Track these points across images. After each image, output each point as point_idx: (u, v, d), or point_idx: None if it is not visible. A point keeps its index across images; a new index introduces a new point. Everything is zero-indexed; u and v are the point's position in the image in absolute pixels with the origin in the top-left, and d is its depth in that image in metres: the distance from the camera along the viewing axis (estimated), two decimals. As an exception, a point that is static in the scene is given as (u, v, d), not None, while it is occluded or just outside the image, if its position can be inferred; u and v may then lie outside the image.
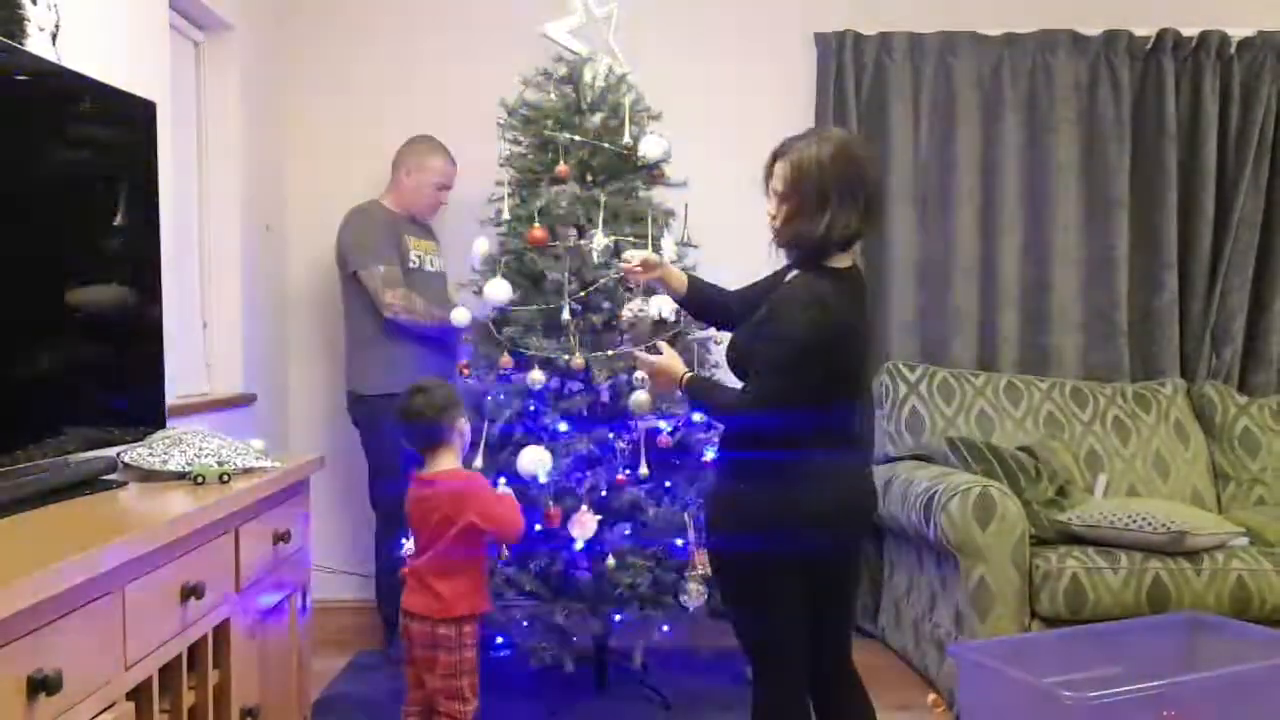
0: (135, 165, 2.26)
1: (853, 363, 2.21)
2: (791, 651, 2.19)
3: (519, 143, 3.44)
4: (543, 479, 3.06)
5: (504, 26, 3.92)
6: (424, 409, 2.61)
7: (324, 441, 3.87)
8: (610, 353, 3.22)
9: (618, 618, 3.19)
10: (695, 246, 3.46)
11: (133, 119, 2.25)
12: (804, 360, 2.08)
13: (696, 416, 3.29)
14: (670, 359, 2.34)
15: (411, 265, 3.65)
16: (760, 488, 2.14)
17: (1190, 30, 4.09)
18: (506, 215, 3.38)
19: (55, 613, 1.38)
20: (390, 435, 3.08)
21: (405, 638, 2.62)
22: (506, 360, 3.22)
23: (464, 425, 2.69)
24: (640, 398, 2.97)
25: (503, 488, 2.90)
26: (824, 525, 2.13)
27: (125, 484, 2.06)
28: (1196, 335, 4.18)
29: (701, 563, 3.11)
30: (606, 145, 3.33)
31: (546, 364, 3.21)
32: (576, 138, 3.31)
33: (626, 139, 3.32)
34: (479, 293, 3.32)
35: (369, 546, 3.72)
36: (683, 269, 3.38)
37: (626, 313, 2.66)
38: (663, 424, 3.22)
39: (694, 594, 3.09)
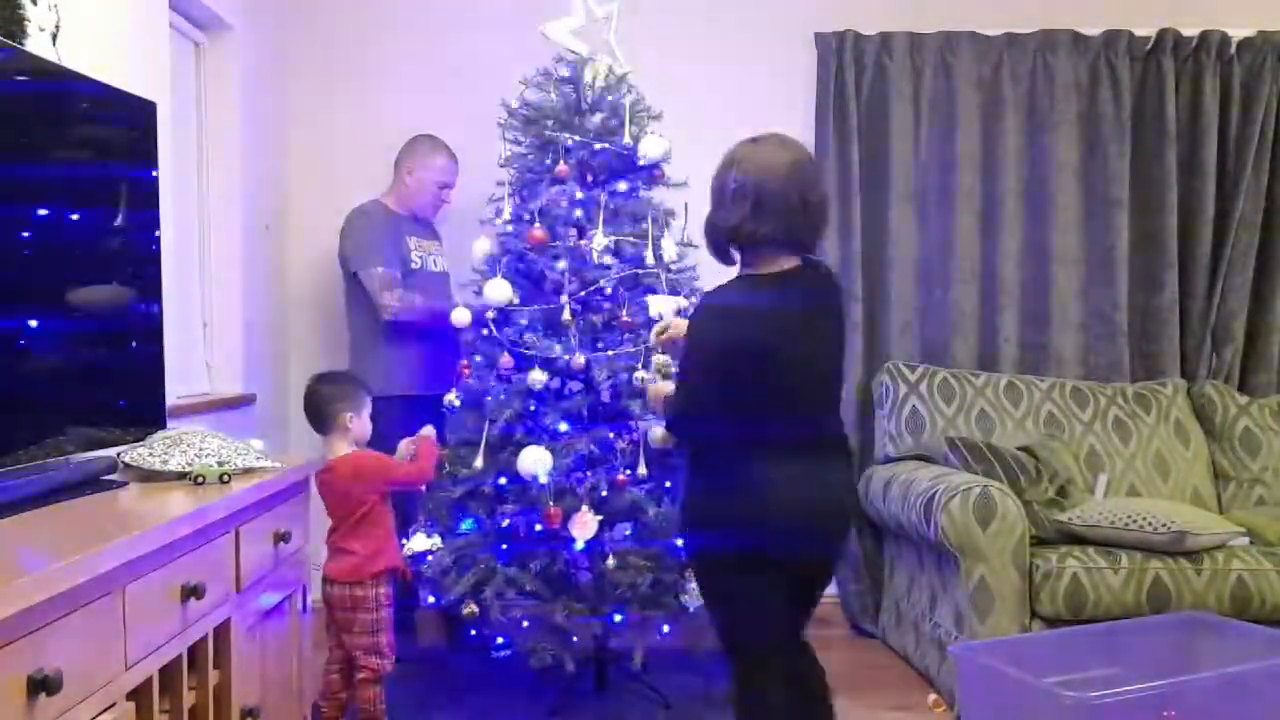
0: (135, 165, 2.26)
1: (773, 369, 2.16)
2: (756, 650, 2.25)
3: (519, 143, 3.44)
4: (543, 479, 3.06)
5: (504, 26, 3.92)
6: (313, 396, 2.93)
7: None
8: (611, 353, 3.22)
9: (618, 618, 3.18)
10: (695, 246, 3.45)
11: (133, 119, 2.26)
12: (698, 366, 2.19)
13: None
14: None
15: (413, 265, 3.63)
16: (698, 489, 2.27)
17: (1190, 30, 4.09)
18: (506, 215, 3.38)
19: (55, 613, 1.38)
20: (388, 438, 3.09)
21: (325, 602, 2.89)
22: (506, 360, 3.22)
23: (351, 420, 2.91)
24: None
25: (424, 431, 3.06)
26: (762, 527, 2.17)
27: (125, 484, 2.06)
28: (1197, 335, 4.18)
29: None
30: (606, 145, 3.33)
31: (546, 364, 3.21)
32: (577, 137, 3.31)
33: (626, 139, 3.32)
34: (479, 293, 3.33)
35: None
36: (683, 269, 3.40)
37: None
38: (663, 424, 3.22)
39: (694, 594, 3.09)
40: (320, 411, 2.92)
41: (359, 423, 2.94)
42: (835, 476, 2.29)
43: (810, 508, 2.21)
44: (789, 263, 2.24)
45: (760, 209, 2.17)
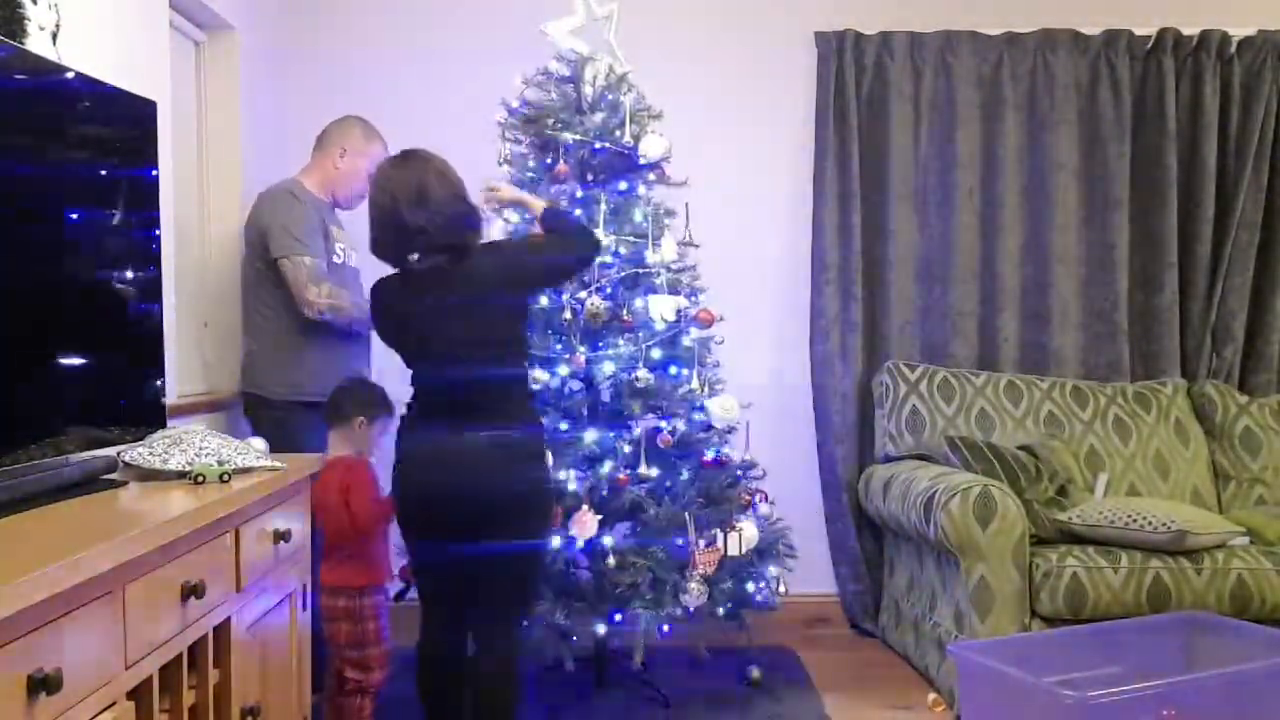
0: (135, 165, 2.26)
1: (401, 337, 2.63)
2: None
3: (519, 142, 3.44)
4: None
5: (504, 26, 3.92)
6: (339, 393, 2.96)
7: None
8: (611, 353, 3.22)
9: (618, 618, 3.19)
10: (696, 246, 3.47)
11: (133, 118, 2.25)
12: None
13: (697, 415, 3.30)
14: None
15: (336, 259, 3.28)
16: None
17: (1191, 30, 4.09)
18: (506, 215, 3.37)
19: (55, 612, 1.38)
20: (305, 450, 2.85)
21: (318, 608, 2.83)
22: (506, 360, 3.22)
23: (362, 425, 2.92)
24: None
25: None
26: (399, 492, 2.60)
27: (125, 483, 2.06)
28: (1197, 334, 4.18)
29: (703, 562, 3.11)
30: (607, 145, 3.33)
31: (546, 364, 3.21)
32: (577, 137, 3.31)
33: (627, 138, 3.32)
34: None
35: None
36: (683, 269, 3.40)
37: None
38: (663, 424, 3.23)
39: (694, 594, 3.09)
40: (340, 408, 2.92)
41: (367, 429, 2.93)
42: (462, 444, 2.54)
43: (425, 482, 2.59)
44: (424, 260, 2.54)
45: (373, 226, 2.57)
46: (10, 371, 1.83)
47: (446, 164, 2.60)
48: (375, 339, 3.42)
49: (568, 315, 3.20)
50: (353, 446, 2.93)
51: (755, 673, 3.47)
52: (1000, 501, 3.13)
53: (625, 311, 3.25)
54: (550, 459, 2.75)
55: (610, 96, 3.39)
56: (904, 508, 3.48)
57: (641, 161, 3.34)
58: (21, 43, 2.10)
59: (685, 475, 3.25)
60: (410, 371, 2.62)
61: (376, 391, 3.02)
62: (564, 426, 3.19)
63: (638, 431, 3.22)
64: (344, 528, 2.83)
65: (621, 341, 3.25)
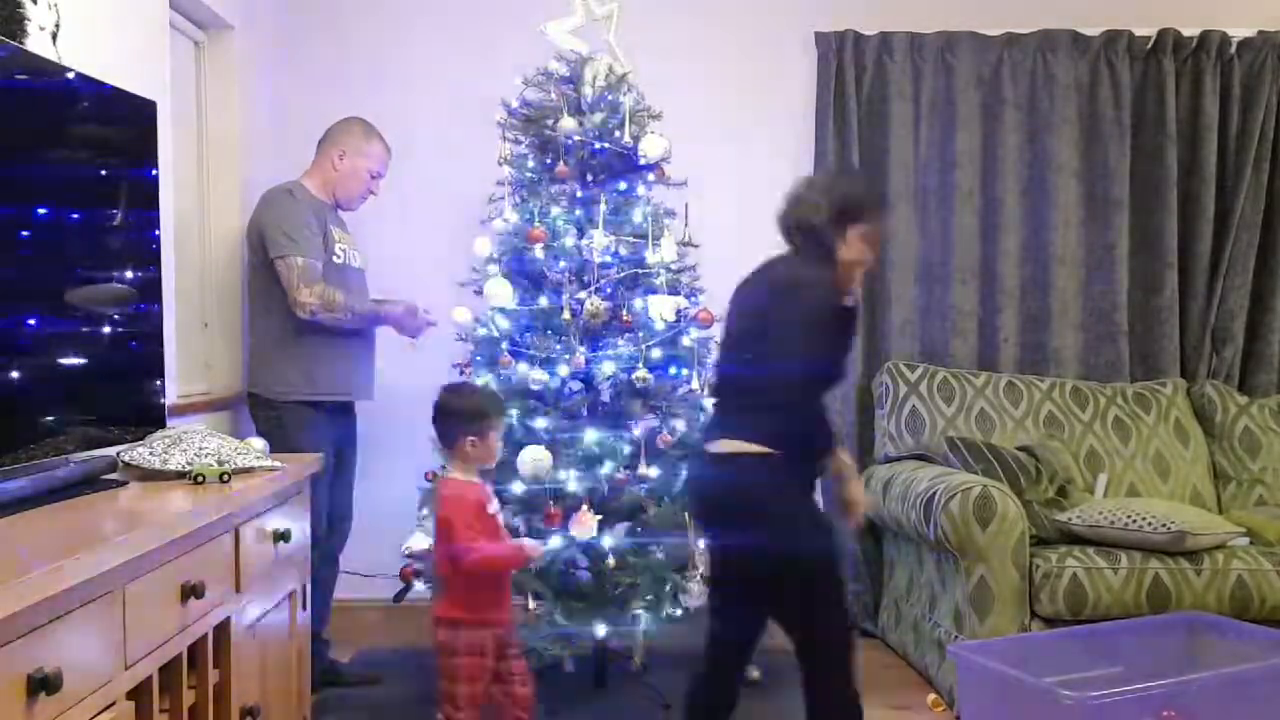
0: (135, 165, 2.26)
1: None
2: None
3: (519, 142, 3.44)
4: (542, 479, 3.06)
5: (504, 27, 3.92)
6: (437, 411, 2.66)
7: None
8: (611, 353, 3.22)
9: (618, 618, 3.19)
10: (695, 246, 3.46)
11: (133, 118, 2.25)
12: None
13: (697, 415, 3.30)
14: None
15: (336, 260, 3.28)
16: None
17: (1190, 30, 4.09)
18: (507, 215, 3.38)
19: (55, 612, 1.38)
20: (305, 449, 2.87)
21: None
22: (506, 360, 3.23)
23: (471, 444, 2.63)
24: None
25: (526, 542, 2.73)
26: None
27: (125, 483, 2.06)
28: (1197, 335, 4.18)
29: (702, 562, 3.11)
30: (607, 145, 3.33)
31: (546, 364, 3.21)
32: (576, 137, 3.31)
33: (626, 139, 3.32)
34: (479, 293, 3.33)
35: (366, 546, 3.70)
36: (683, 269, 3.40)
37: None
38: (663, 423, 3.23)
39: (694, 593, 3.09)
40: (445, 434, 2.66)
41: (481, 447, 2.65)
42: None
43: None
44: None
45: None
46: (10, 371, 1.83)
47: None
48: (376, 338, 3.45)
49: (567, 315, 3.20)
50: (464, 467, 2.65)
51: (754, 673, 3.47)
52: (1000, 502, 3.13)
53: (625, 312, 3.25)
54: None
55: (610, 96, 3.39)
56: (904, 508, 3.47)
57: (641, 161, 3.34)
58: (21, 42, 2.10)
59: (685, 475, 3.24)
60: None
61: (480, 398, 2.75)
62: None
63: (638, 431, 3.22)
64: (442, 560, 2.59)
65: (621, 342, 3.24)
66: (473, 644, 2.59)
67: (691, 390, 3.28)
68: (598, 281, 3.24)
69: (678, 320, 3.27)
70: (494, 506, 2.68)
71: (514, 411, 3.21)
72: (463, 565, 2.53)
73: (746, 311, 2.41)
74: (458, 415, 2.63)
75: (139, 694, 1.65)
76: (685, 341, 3.31)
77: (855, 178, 2.37)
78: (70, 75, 2.09)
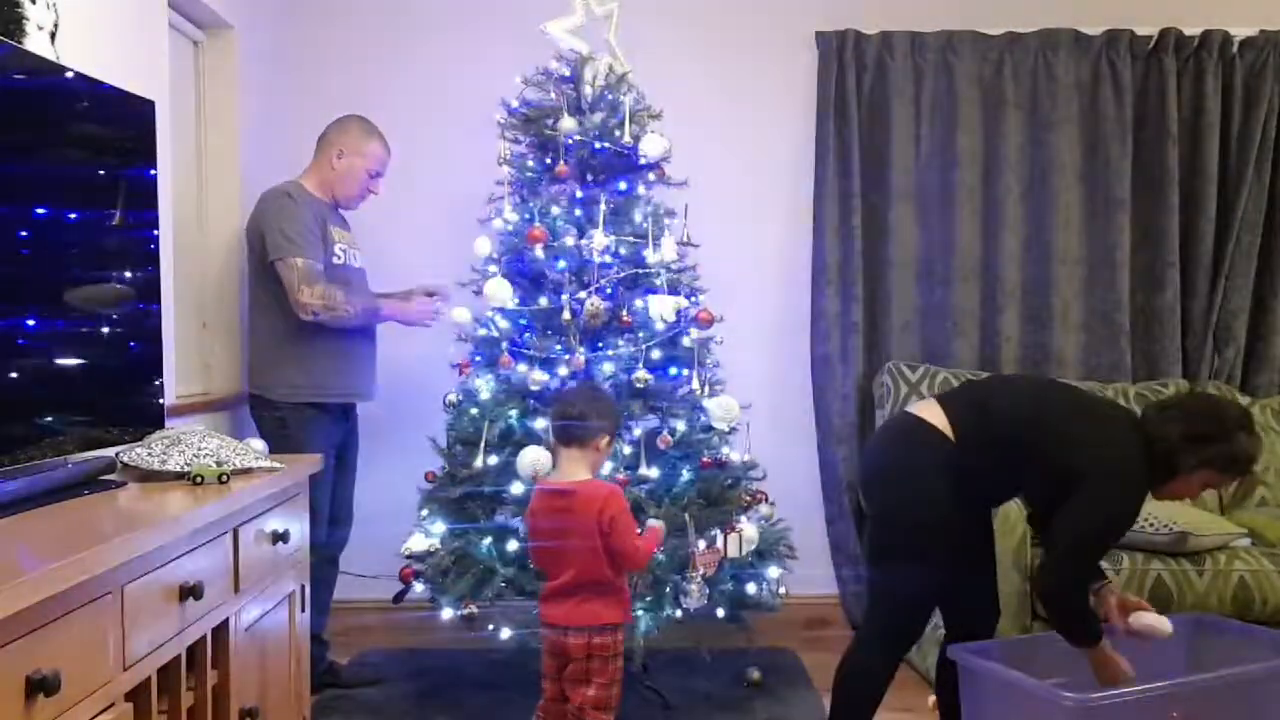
0: (134, 165, 2.26)
1: None
2: None
3: (519, 142, 3.44)
4: (542, 479, 3.06)
5: (504, 26, 3.92)
6: (572, 408, 2.59)
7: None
8: (611, 353, 3.22)
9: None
10: (695, 246, 3.46)
11: (132, 118, 2.25)
12: None
13: (697, 416, 3.29)
14: None
15: (336, 260, 3.28)
16: None
17: (1192, 29, 4.08)
18: (506, 215, 3.37)
19: (55, 613, 1.38)
20: (306, 452, 2.86)
21: (555, 651, 2.56)
22: (506, 360, 3.22)
23: (606, 444, 2.62)
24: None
25: (652, 523, 2.72)
26: None
27: (124, 484, 2.05)
28: (1198, 335, 4.17)
29: (703, 563, 3.10)
30: (606, 145, 3.33)
31: (546, 364, 3.20)
32: (576, 137, 3.31)
33: (626, 138, 3.32)
34: (479, 293, 3.32)
35: (366, 547, 3.70)
36: (683, 269, 3.40)
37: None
38: (663, 424, 3.22)
39: (694, 594, 3.08)
40: (580, 426, 2.56)
41: (607, 451, 2.66)
42: None
43: None
44: None
45: None
46: (9, 371, 1.83)
47: None
48: (378, 338, 3.45)
49: (567, 315, 3.19)
50: (588, 468, 2.60)
51: (755, 674, 3.47)
52: (1001, 502, 3.12)
53: (625, 312, 3.24)
54: None
55: (610, 96, 3.39)
56: (904, 508, 3.46)
57: (641, 161, 3.34)
58: (20, 42, 2.10)
59: (685, 476, 3.24)
60: None
61: (604, 399, 2.72)
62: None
63: (638, 432, 3.21)
64: (599, 564, 2.50)
65: (621, 342, 3.24)
66: (620, 644, 2.57)
67: (691, 391, 3.27)
68: (598, 282, 3.23)
69: (678, 320, 3.26)
70: None
71: (514, 412, 3.21)
72: (638, 562, 2.57)
73: (1051, 432, 2.49)
74: (605, 414, 2.61)
75: (138, 695, 1.65)
76: (685, 342, 3.30)
77: (1254, 439, 2.44)
78: (69, 75, 2.08)
